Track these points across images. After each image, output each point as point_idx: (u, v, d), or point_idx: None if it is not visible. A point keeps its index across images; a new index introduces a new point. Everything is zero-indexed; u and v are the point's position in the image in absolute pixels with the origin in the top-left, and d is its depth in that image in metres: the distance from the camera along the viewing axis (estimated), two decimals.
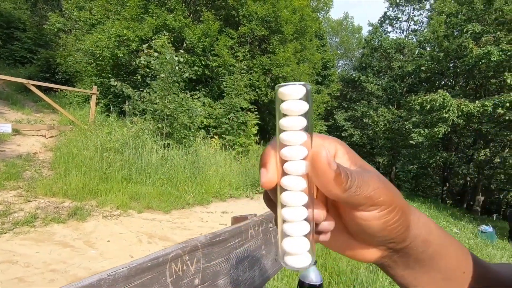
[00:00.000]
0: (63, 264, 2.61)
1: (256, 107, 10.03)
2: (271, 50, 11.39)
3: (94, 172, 4.89)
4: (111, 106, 9.49)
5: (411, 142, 12.80)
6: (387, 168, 23.69)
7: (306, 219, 0.23)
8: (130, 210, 4.26)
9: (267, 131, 14.62)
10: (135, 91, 7.23)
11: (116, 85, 7.05)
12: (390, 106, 17.95)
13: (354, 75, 22.60)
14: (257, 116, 9.91)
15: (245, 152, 8.98)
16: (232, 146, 8.89)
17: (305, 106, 0.22)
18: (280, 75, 10.95)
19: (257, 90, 11.10)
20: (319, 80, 20.29)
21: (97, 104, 8.85)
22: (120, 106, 9.45)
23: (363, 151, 23.73)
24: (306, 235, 0.24)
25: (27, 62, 15.26)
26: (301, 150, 0.23)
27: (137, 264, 0.67)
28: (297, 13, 11.90)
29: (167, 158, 5.98)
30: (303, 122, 0.23)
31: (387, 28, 23.39)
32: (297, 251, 0.23)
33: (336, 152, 0.26)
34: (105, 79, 9.63)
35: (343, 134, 23.09)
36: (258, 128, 10.22)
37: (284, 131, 0.23)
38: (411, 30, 23.42)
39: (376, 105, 18.86)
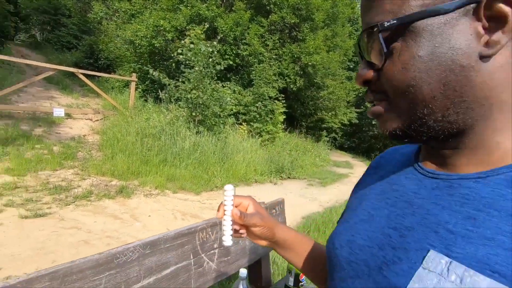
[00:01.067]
0: (115, 232, 3.22)
1: (283, 95, 10.30)
2: (301, 38, 11.47)
3: (136, 156, 5.56)
4: (148, 92, 10.22)
5: None
6: None
7: (230, 228, 0.60)
8: (166, 190, 4.87)
9: (295, 118, 14.83)
10: (171, 80, 7.79)
11: (154, 74, 7.64)
12: None
13: None
14: (285, 104, 10.20)
15: (271, 139, 9.37)
16: (259, 133, 9.30)
17: (232, 192, 0.60)
18: (310, 63, 11.06)
19: (286, 78, 11.32)
20: (351, 66, 19.92)
21: (135, 89, 9.59)
22: (156, 92, 10.15)
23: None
24: (231, 234, 0.60)
25: (73, 47, 16.39)
26: (230, 206, 0.59)
27: (180, 230, 1.12)
28: None
29: (198, 144, 6.53)
30: (232, 198, 0.60)
31: None
32: (225, 239, 0.60)
33: (249, 205, 0.63)
34: (143, 66, 10.33)
35: (373, 122, 22.64)
36: (285, 116, 10.51)
37: (225, 200, 0.61)
38: None
39: None
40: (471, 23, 0.33)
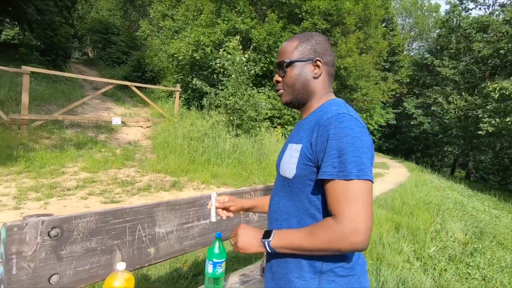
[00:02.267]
0: None
1: None
2: (333, 42, 11.80)
3: (184, 156, 6.33)
4: (190, 100, 11.16)
5: (479, 132, 12.05)
6: (461, 158, 21.90)
7: (214, 212, 1.16)
8: (211, 185, 5.54)
9: None
10: (212, 88, 8.57)
11: (197, 84, 8.47)
12: (463, 93, 16.60)
13: (427, 58, 21.13)
14: None
15: None
16: None
17: (215, 196, 1.17)
18: (342, 66, 11.35)
19: None
20: (386, 66, 19.65)
21: (179, 98, 10.55)
22: (198, 100, 11.06)
23: (434, 139, 22.30)
24: (215, 215, 1.17)
25: (122, 62, 18.07)
26: (214, 201, 1.16)
27: (236, 191, 1.69)
28: (360, 2, 12.00)
29: (237, 146, 7.18)
30: (215, 198, 1.16)
31: (468, 4, 21.18)
32: (212, 217, 1.16)
33: (225, 197, 1.17)
34: (185, 76, 11.30)
35: (412, 122, 22.00)
36: None
37: (211, 199, 1.16)
38: (499, 5, 20.83)
39: (450, 91, 17.56)
40: (310, 65, 0.95)
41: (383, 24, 18.93)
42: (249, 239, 0.90)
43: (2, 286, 0.94)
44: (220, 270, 1.36)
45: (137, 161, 6.26)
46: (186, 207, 1.47)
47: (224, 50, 8.29)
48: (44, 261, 1.01)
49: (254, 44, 10.21)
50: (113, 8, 23.77)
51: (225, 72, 8.24)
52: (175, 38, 11.31)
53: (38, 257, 1.00)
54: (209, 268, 1.35)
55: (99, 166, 5.44)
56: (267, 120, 10.09)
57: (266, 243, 0.86)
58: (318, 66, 0.94)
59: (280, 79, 0.98)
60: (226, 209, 1.18)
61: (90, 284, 1.12)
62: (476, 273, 3.11)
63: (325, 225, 0.78)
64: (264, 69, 10.41)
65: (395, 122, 21.31)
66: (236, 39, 8.39)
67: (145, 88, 12.08)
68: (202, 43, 9.98)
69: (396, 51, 20.18)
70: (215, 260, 1.35)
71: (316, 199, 0.85)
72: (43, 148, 5.89)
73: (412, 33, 31.91)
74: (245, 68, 8.02)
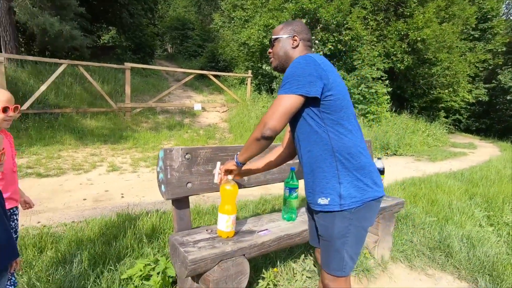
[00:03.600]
0: None
1: (387, 76, 10.26)
2: (408, 14, 11.05)
3: None
4: (261, 85, 11.76)
5: None
6: None
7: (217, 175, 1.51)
8: None
9: (405, 99, 14.14)
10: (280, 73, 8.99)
11: (267, 69, 8.96)
12: None
13: None
14: (392, 85, 10.12)
15: (376, 120, 9.57)
16: (364, 114, 9.64)
17: (219, 165, 1.52)
18: (419, 38, 10.60)
19: (392, 57, 11.14)
20: (476, 35, 17.34)
21: (250, 84, 11.25)
22: (268, 84, 11.60)
23: None
24: (216, 178, 1.51)
25: (197, 55, 19.62)
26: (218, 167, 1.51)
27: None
28: None
29: None
30: (219, 165, 1.51)
31: None
32: (215, 179, 1.51)
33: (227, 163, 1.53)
34: (255, 63, 11.91)
35: (508, 97, 19.15)
36: (390, 96, 10.46)
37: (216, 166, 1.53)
38: None
39: None
40: (290, 39, 1.34)
41: None
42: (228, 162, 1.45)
43: (163, 186, 1.55)
44: (294, 194, 1.81)
45: (217, 139, 7.10)
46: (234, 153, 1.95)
47: None
48: (183, 173, 1.59)
49: (321, 24, 10.23)
50: (188, 5, 25.69)
51: None
52: (246, 27, 11.95)
53: (180, 170, 1.58)
54: (286, 193, 1.82)
55: (188, 143, 6.38)
56: None
57: (235, 157, 1.39)
58: (295, 40, 1.31)
59: (271, 50, 1.40)
60: (229, 172, 1.49)
61: (208, 192, 1.69)
62: None
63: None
64: (332, 49, 10.38)
65: (487, 99, 18.83)
66: (304, 20, 8.59)
67: (220, 76, 13.12)
68: (271, 26, 10.37)
69: (488, 16, 17.61)
70: (290, 187, 1.80)
71: None
72: (143, 130, 7.11)
73: None
74: (312, 50, 8.19)
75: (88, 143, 5.82)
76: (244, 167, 1.58)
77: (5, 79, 5.99)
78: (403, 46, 10.98)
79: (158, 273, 1.65)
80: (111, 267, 1.81)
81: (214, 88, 12.47)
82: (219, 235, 1.55)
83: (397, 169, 6.03)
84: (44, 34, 8.07)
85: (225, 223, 1.51)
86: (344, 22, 10.42)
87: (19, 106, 1.44)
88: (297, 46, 1.32)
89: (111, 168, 4.52)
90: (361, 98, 9.69)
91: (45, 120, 6.37)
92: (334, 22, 10.25)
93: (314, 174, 1.26)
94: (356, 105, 9.83)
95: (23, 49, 12.08)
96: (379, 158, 2.31)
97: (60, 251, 1.97)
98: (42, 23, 7.73)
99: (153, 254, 1.90)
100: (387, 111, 10.23)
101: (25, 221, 2.60)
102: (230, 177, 1.46)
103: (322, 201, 1.24)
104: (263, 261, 2.05)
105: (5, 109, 1.34)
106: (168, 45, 26.90)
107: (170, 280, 1.69)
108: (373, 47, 10.32)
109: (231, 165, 1.43)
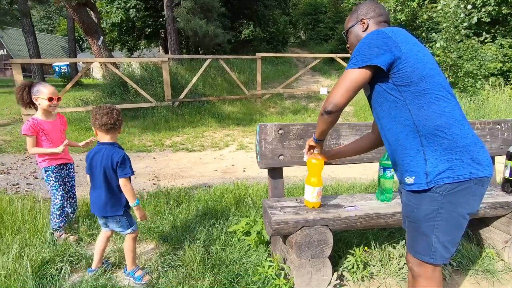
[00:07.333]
0: None
1: None
2: None
3: None
4: None
5: None
6: None
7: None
8: None
9: None
10: None
11: None
12: None
13: None
14: None
15: None
16: None
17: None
18: None
19: None
20: None
21: None
22: None
23: None
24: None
25: (328, 38, 19.27)
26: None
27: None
28: None
29: None
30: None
31: None
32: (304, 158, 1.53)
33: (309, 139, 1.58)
34: None
35: None
36: None
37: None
38: None
39: None
40: (359, 24, 1.32)
41: None
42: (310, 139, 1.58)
43: (259, 156, 1.79)
44: (389, 174, 1.74)
45: None
46: (363, 128, 1.91)
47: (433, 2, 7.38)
48: (276, 146, 1.79)
49: None
50: None
51: (437, 28, 7.34)
52: (379, 2, 10.94)
53: (273, 143, 1.79)
54: (380, 172, 1.77)
55: None
56: (499, 76, 8.13)
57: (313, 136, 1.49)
58: (364, 23, 1.29)
59: (348, 45, 1.40)
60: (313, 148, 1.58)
61: (298, 165, 1.84)
62: None
63: None
64: (493, 13, 8.33)
65: None
66: None
67: (348, 58, 12.56)
68: None
69: None
70: (384, 166, 1.74)
71: None
72: (271, 114, 7.72)
73: None
74: (462, 15, 6.82)
75: (225, 126, 6.80)
76: (333, 151, 1.67)
77: (169, 75, 7.61)
78: None
79: (255, 232, 1.93)
80: (221, 221, 2.24)
81: (342, 72, 12.07)
82: (305, 205, 1.69)
83: None
84: (195, 35, 9.74)
85: (310, 194, 1.63)
86: None
87: (61, 97, 2.08)
88: (367, 27, 1.30)
89: (240, 147, 5.20)
90: None
91: (195, 107, 7.78)
92: None
93: (398, 151, 1.21)
94: None
95: (184, 50, 14.89)
96: None
97: (191, 206, 2.53)
98: (193, 26, 9.34)
99: (254, 216, 2.20)
100: None
101: (175, 183, 3.40)
102: (316, 150, 1.55)
103: (408, 180, 1.18)
104: (359, 239, 2.05)
105: (50, 99, 1.93)
106: (301, 31, 27.40)
107: (265, 239, 1.94)
108: None
109: (310, 141, 1.53)
